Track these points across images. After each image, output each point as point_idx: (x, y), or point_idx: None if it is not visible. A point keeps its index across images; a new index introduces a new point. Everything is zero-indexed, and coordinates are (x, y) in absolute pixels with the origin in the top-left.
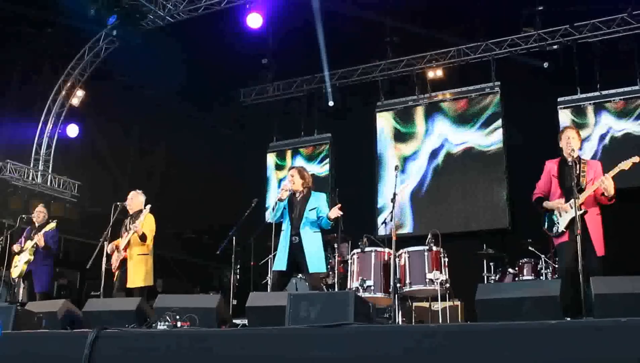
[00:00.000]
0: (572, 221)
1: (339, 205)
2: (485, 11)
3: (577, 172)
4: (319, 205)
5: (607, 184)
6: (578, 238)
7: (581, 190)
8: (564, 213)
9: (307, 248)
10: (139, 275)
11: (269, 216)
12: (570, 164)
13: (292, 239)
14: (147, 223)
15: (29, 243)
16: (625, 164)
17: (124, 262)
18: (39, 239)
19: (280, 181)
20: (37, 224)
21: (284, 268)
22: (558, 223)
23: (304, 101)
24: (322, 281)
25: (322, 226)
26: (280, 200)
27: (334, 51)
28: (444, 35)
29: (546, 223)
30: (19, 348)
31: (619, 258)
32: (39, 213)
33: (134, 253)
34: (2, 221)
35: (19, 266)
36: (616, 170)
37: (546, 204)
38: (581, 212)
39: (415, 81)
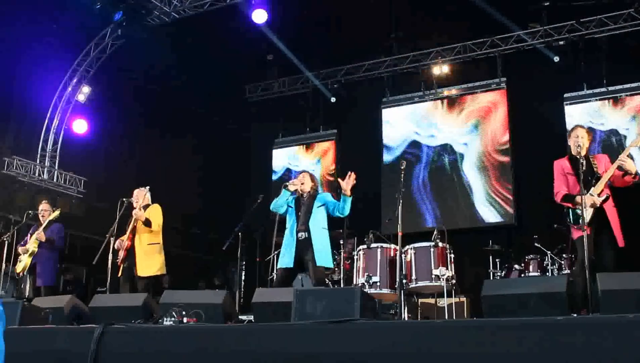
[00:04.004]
0: (596, 212)
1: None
2: (491, 7)
3: (589, 167)
4: (327, 201)
5: (628, 163)
6: (585, 235)
7: (598, 178)
8: (586, 205)
9: (316, 243)
10: (151, 263)
11: (272, 204)
12: (581, 161)
13: (298, 235)
14: (154, 214)
15: (33, 237)
16: (636, 142)
17: (129, 253)
18: (40, 234)
19: None
20: (42, 222)
21: (290, 265)
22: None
23: (310, 97)
24: (327, 276)
25: (340, 214)
26: (286, 187)
27: (340, 47)
28: (450, 31)
29: (571, 217)
30: (25, 344)
31: (632, 251)
32: (44, 211)
33: (143, 243)
34: (8, 216)
35: (23, 261)
36: (628, 150)
37: (578, 200)
38: (603, 198)
39: (421, 77)
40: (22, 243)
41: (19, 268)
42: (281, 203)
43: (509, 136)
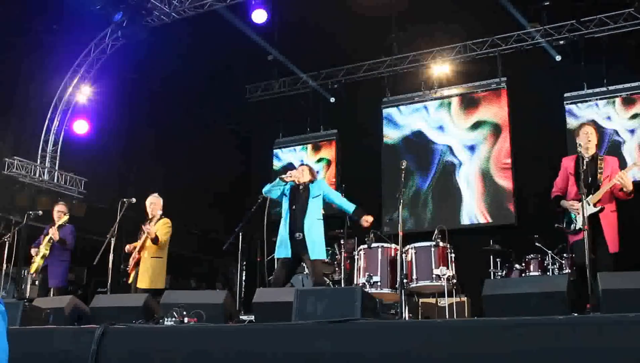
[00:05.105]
0: (589, 218)
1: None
2: (491, 6)
3: (594, 169)
4: (323, 190)
5: (625, 181)
6: (585, 234)
7: (598, 187)
8: (580, 210)
9: (309, 238)
10: (149, 276)
11: (265, 187)
12: (587, 161)
13: (296, 235)
14: (162, 229)
15: (46, 239)
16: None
17: (138, 264)
18: (54, 232)
19: None
20: (56, 223)
21: (289, 255)
22: (576, 220)
23: (310, 97)
24: (327, 274)
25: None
26: (282, 179)
27: (340, 47)
28: (450, 31)
29: (564, 221)
30: (26, 344)
31: (633, 253)
32: (61, 212)
33: (147, 256)
34: (9, 217)
35: (36, 261)
36: (631, 167)
37: (562, 203)
38: (598, 209)
39: (421, 77)
40: (35, 243)
41: (32, 269)
42: (274, 190)
43: (508, 135)
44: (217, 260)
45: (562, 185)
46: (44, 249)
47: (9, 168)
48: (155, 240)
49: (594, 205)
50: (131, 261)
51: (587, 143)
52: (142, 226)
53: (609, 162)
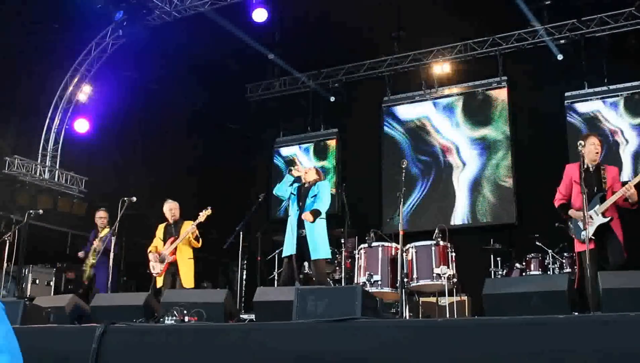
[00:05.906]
0: (599, 228)
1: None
2: (492, 5)
3: (598, 179)
4: (318, 191)
5: (632, 193)
6: (586, 243)
7: (604, 197)
8: (589, 220)
9: (311, 237)
10: (190, 276)
11: (276, 188)
12: (591, 170)
13: (299, 232)
14: (194, 231)
15: (93, 248)
16: None
17: (171, 266)
18: (98, 244)
19: None
20: (99, 229)
21: (294, 251)
22: (584, 230)
23: (311, 96)
24: (328, 274)
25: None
26: (290, 172)
27: (341, 46)
28: (450, 30)
29: (573, 230)
30: (26, 343)
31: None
32: (101, 219)
33: (184, 257)
34: (9, 216)
35: (87, 270)
36: (637, 179)
37: (571, 212)
38: (608, 219)
39: (422, 76)
40: (85, 248)
41: (84, 276)
42: (284, 188)
43: (509, 135)
44: (218, 260)
45: (565, 192)
46: (91, 258)
47: (10, 166)
48: (197, 238)
49: (603, 215)
50: (160, 265)
51: (594, 154)
52: (167, 228)
53: (610, 171)
